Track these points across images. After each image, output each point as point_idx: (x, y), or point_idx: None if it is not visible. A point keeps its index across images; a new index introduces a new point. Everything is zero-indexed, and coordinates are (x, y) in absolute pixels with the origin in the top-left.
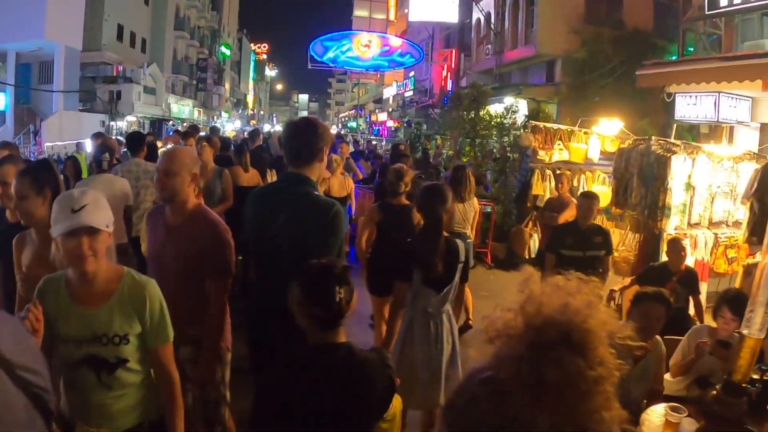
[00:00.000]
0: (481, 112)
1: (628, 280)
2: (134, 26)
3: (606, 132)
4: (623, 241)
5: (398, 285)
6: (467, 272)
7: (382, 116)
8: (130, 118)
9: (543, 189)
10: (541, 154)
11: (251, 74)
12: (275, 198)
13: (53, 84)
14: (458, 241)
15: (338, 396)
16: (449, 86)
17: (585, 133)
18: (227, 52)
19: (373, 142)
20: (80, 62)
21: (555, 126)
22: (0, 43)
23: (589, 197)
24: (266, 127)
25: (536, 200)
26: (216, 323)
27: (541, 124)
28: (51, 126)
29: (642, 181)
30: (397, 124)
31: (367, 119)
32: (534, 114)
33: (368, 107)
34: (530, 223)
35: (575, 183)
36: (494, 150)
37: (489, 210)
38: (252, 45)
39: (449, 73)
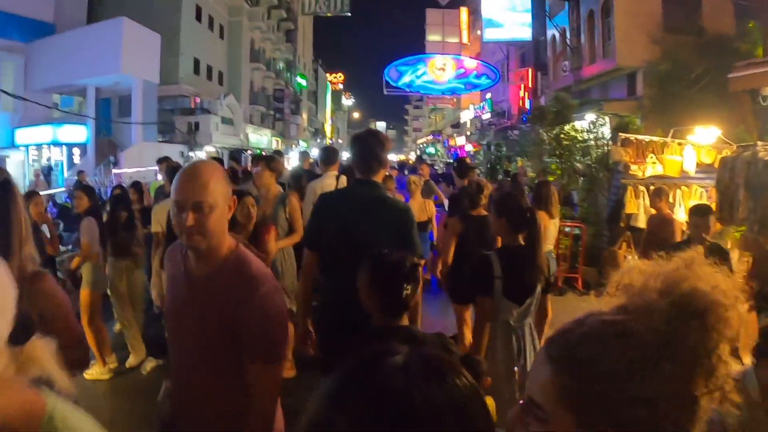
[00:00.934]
0: (566, 127)
1: None
2: (210, 60)
3: (702, 142)
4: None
5: (480, 299)
6: (550, 283)
7: (460, 140)
8: (209, 148)
9: (637, 207)
10: (633, 169)
11: (328, 103)
12: (354, 200)
13: (132, 116)
14: (545, 254)
15: None
16: (527, 106)
17: (678, 144)
18: (303, 82)
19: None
20: (158, 95)
21: (647, 138)
22: (79, 79)
23: (703, 212)
24: (345, 155)
25: (630, 220)
26: (260, 425)
27: (632, 137)
28: (130, 156)
29: (750, 193)
30: (475, 147)
31: (445, 144)
32: (622, 127)
33: (446, 132)
34: (624, 245)
35: (670, 199)
36: (580, 167)
37: (578, 232)
38: (327, 75)
39: (526, 93)
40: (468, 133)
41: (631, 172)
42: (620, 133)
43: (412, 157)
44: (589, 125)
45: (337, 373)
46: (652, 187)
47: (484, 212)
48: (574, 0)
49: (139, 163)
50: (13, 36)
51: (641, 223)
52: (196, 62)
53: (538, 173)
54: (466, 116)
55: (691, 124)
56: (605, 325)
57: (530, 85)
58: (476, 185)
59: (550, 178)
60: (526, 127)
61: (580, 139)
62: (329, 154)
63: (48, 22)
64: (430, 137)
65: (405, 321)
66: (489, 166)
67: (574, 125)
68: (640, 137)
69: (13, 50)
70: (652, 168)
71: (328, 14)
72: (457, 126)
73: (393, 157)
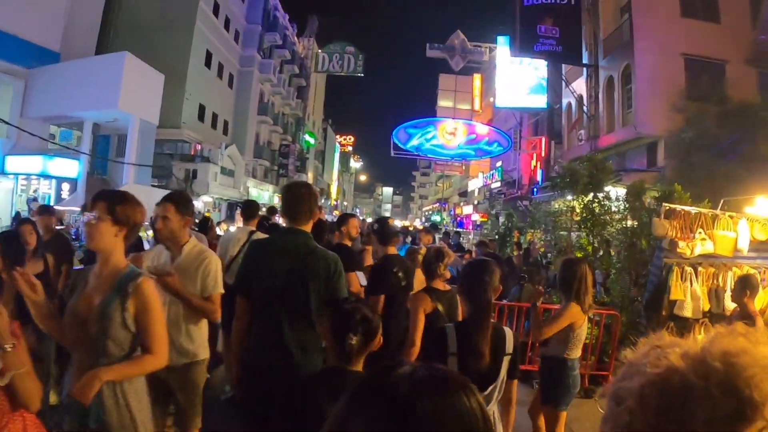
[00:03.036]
0: (600, 195)
1: None
2: (216, 107)
3: (762, 214)
4: None
5: None
6: (517, 366)
7: (467, 209)
8: (206, 198)
9: (683, 292)
10: (682, 247)
11: (336, 164)
12: (281, 249)
13: (125, 156)
14: (506, 328)
15: None
16: (539, 176)
17: (730, 217)
18: (311, 140)
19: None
20: (158, 138)
21: (694, 209)
22: (77, 111)
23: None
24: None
25: (674, 307)
26: None
27: (679, 208)
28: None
29: None
30: (483, 217)
31: (451, 212)
32: (665, 197)
33: (452, 200)
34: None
35: (719, 282)
36: (616, 243)
37: (609, 321)
38: (337, 136)
39: (539, 162)
40: (475, 202)
41: (679, 250)
42: (664, 203)
43: (417, 223)
44: (625, 195)
45: (358, 382)
46: (701, 269)
47: (447, 286)
48: (593, 66)
49: None
50: (15, 60)
51: (688, 311)
52: (202, 108)
53: (561, 249)
54: (475, 185)
55: (712, 196)
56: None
57: (543, 155)
58: (435, 252)
59: (578, 254)
60: (540, 197)
61: (615, 209)
62: (248, 208)
63: (53, 50)
64: (436, 205)
65: (358, 367)
66: (498, 237)
67: (608, 194)
68: (687, 208)
69: (13, 74)
70: (701, 245)
71: (342, 73)
72: (464, 194)
73: (397, 223)
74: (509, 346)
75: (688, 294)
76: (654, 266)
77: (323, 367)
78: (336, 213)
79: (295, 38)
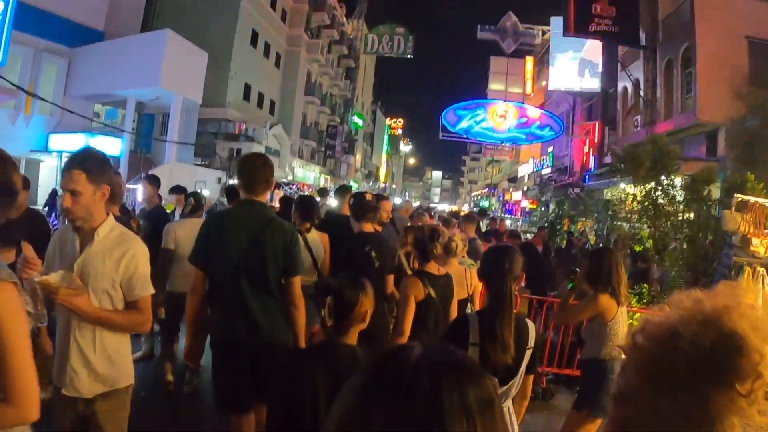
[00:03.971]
0: (665, 182)
1: None
2: (262, 87)
3: None
4: None
5: None
6: (535, 362)
7: (516, 195)
8: None
9: (755, 295)
10: (755, 244)
11: (385, 147)
12: (238, 220)
13: (167, 134)
14: (528, 321)
15: (336, 388)
16: (591, 163)
17: None
18: (360, 122)
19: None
20: (203, 117)
21: None
22: (119, 89)
23: None
24: (397, 201)
25: None
26: None
27: (753, 199)
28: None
29: None
30: (532, 204)
31: (500, 198)
32: (737, 188)
33: (501, 186)
34: None
35: None
36: (680, 237)
37: None
38: (387, 119)
39: (591, 148)
40: (525, 188)
41: (753, 248)
42: (736, 195)
43: (465, 208)
44: (690, 184)
45: (365, 369)
46: None
47: (443, 269)
48: (650, 49)
49: (169, 184)
50: (58, 39)
51: None
52: (247, 88)
53: (616, 240)
54: (525, 170)
55: None
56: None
57: (596, 140)
58: (430, 231)
59: (637, 248)
60: (593, 184)
61: (683, 199)
62: (230, 192)
63: (97, 29)
64: (485, 190)
65: (351, 339)
66: (548, 225)
67: (673, 180)
68: (762, 201)
69: (57, 53)
70: None
71: (391, 55)
72: (514, 180)
73: (446, 207)
74: (531, 340)
75: (760, 298)
76: (722, 265)
77: (318, 342)
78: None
79: (344, 19)
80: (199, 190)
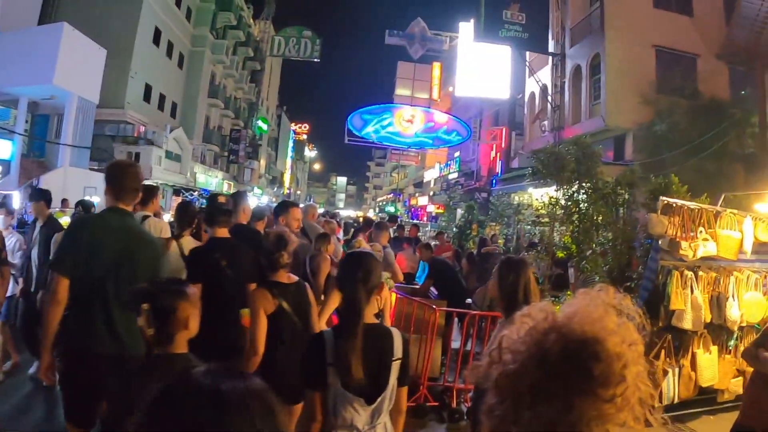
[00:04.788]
0: (587, 185)
1: None
2: (164, 88)
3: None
4: None
5: (308, 394)
6: (407, 372)
7: (423, 200)
8: (149, 183)
9: (684, 301)
10: (684, 248)
11: (289, 152)
12: (111, 230)
13: (61, 137)
14: (392, 329)
15: None
16: (498, 168)
17: (733, 214)
18: (264, 126)
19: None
20: (100, 119)
21: (694, 205)
22: (10, 86)
23: None
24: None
25: (672, 317)
26: None
27: (678, 202)
28: (50, 181)
29: None
30: (439, 209)
31: (406, 203)
32: (661, 191)
33: (407, 191)
34: (662, 353)
35: (720, 289)
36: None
37: None
38: (292, 124)
39: (498, 153)
40: (431, 193)
41: (682, 252)
42: (662, 198)
43: (370, 214)
44: (615, 184)
45: (157, 386)
46: (701, 273)
47: (294, 277)
48: (559, 55)
49: (63, 190)
50: None
51: (688, 323)
52: (148, 88)
53: (534, 245)
54: (431, 175)
55: (695, 194)
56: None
57: (503, 145)
58: (276, 238)
59: (560, 254)
60: (501, 188)
61: (614, 200)
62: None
63: None
64: (391, 195)
65: (181, 348)
66: (457, 230)
67: (599, 180)
68: (688, 204)
69: None
70: (703, 246)
71: (298, 58)
72: (419, 185)
73: (351, 213)
74: (398, 350)
75: (689, 303)
76: (649, 270)
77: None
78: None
79: (251, 20)
80: (88, 197)
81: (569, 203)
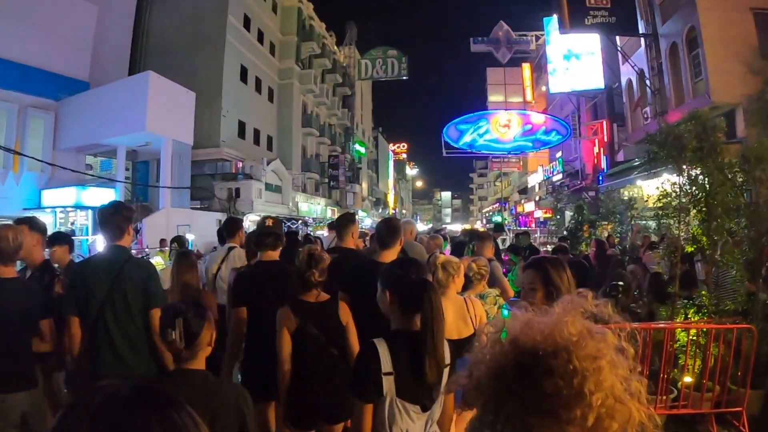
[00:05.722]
0: (712, 165)
1: None
2: (257, 123)
3: None
4: None
5: (359, 407)
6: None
7: (529, 206)
8: (252, 216)
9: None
10: None
11: (391, 172)
12: (99, 265)
13: (160, 180)
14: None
15: None
16: (603, 163)
17: None
18: (362, 150)
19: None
20: (198, 159)
21: None
22: (107, 138)
23: None
24: (419, 226)
25: None
26: None
27: None
28: (152, 224)
29: None
30: (547, 213)
31: (513, 211)
32: None
33: (512, 199)
34: None
35: None
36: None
37: (731, 335)
38: (390, 144)
39: (601, 148)
40: (537, 198)
41: None
42: None
43: (478, 226)
44: (743, 160)
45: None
46: None
47: (324, 295)
48: (651, 35)
49: (165, 230)
50: (44, 93)
51: None
52: (242, 125)
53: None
54: (534, 180)
55: None
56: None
57: (606, 139)
58: (306, 257)
59: (689, 249)
60: (608, 184)
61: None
62: (229, 225)
63: (82, 79)
64: (496, 205)
65: (201, 365)
66: (568, 233)
67: (726, 161)
68: None
69: (43, 107)
70: None
71: (386, 78)
72: (524, 191)
73: (458, 227)
74: (448, 356)
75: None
76: None
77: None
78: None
79: (335, 47)
80: (182, 234)
81: (694, 188)
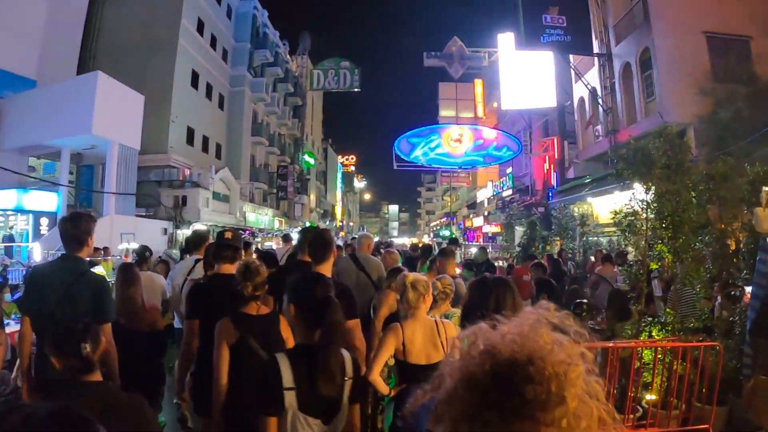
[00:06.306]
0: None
1: None
2: (207, 130)
3: None
4: None
5: (263, 421)
6: (357, 390)
7: (477, 221)
8: (199, 226)
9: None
10: None
11: (339, 184)
12: (54, 275)
13: (105, 185)
14: (343, 351)
15: None
16: (553, 180)
17: None
18: (311, 161)
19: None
20: (144, 165)
21: None
22: (52, 139)
23: None
24: (354, 236)
25: None
26: None
27: None
28: (96, 230)
29: None
30: (496, 228)
31: (460, 226)
32: (761, 179)
33: (461, 213)
34: None
35: None
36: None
37: (697, 353)
38: (339, 156)
39: (552, 165)
40: (486, 213)
41: None
42: (765, 188)
43: (426, 239)
44: (706, 178)
45: None
46: None
47: (265, 308)
48: (605, 55)
49: (108, 238)
50: None
51: None
52: (190, 131)
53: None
54: (483, 195)
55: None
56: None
57: (556, 156)
58: (242, 269)
59: (653, 266)
60: (559, 200)
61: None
62: (195, 239)
63: (28, 77)
64: (444, 219)
65: (97, 377)
66: (520, 249)
67: (693, 180)
68: None
69: None
70: None
71: (338, 89)
72: (473, 206)
73: (405, 240)
74: (349, 369)
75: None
76: (758, 274)
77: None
78: (342, 234)
79: (288, 56)
80: (126, 243)
81: (661, 205)
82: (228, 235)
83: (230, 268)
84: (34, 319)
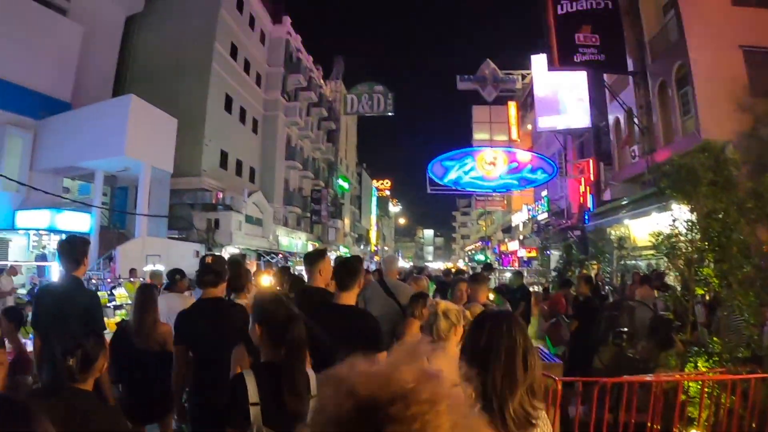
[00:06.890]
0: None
1: None
2: (240, 153)
3: None
4: None
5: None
6: None
7: (513, 245)
8: (232, 249)
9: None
10: None
11: (373, 209)
12: (54, 293)
13: (137, 207)
14: (309, 370)
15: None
16: (589, 203)
17: None
18: (345, 185)
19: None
20: (177, 188)
21: None
22: (85, 161)
23: None
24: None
25: None
26: None
27: None
28: (126, 252)
29: None
30: (531, 252)
31: (495, 250)
32: None
33: (495, 237)
34: None
35: None
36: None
37: (746, 385)
38: (374, 181)
39: (588, 187)
40: (521, 237)
41: None
42: None
43: (461, 264)
44: (755, 195)
45: None
46: None
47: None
48: (640, 73)
49: (139, 260)
50: (24, 112)
51: None
52: (224, 155)
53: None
54: (518, 219)
55: None
56: None
57: (592, 178)
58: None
59: (698, 292)
60: (595, 223)
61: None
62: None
63: (64, 100)
64: (479, 244)
65: (87, 387)
66: (556, 274)
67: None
68: None
69: (22, 126)
70: None
71: (372, 114)
72: (508, 230)
73: (440, 265)
74: (314, 388)
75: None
76: None
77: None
78: (377, 259)
79: (321, 80)
80: (151, 265)
81: (707, 225)
82: (209, 260)
83: (214, 292)
84: (40, 332)
